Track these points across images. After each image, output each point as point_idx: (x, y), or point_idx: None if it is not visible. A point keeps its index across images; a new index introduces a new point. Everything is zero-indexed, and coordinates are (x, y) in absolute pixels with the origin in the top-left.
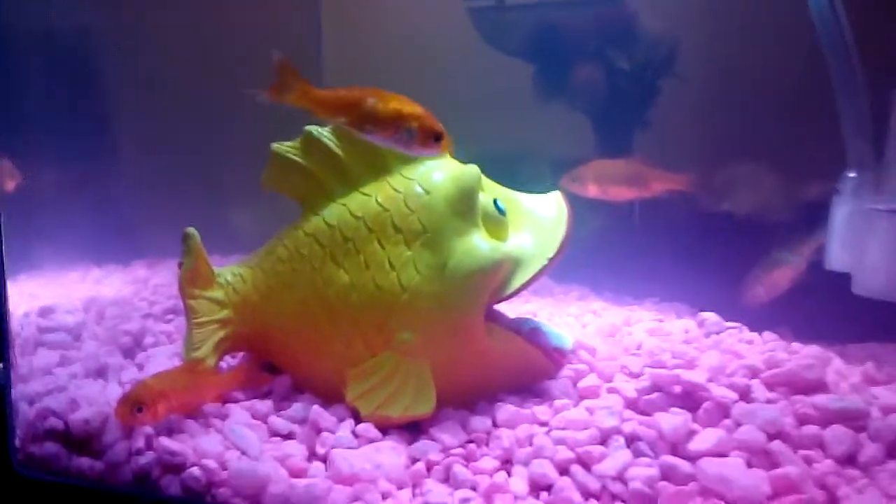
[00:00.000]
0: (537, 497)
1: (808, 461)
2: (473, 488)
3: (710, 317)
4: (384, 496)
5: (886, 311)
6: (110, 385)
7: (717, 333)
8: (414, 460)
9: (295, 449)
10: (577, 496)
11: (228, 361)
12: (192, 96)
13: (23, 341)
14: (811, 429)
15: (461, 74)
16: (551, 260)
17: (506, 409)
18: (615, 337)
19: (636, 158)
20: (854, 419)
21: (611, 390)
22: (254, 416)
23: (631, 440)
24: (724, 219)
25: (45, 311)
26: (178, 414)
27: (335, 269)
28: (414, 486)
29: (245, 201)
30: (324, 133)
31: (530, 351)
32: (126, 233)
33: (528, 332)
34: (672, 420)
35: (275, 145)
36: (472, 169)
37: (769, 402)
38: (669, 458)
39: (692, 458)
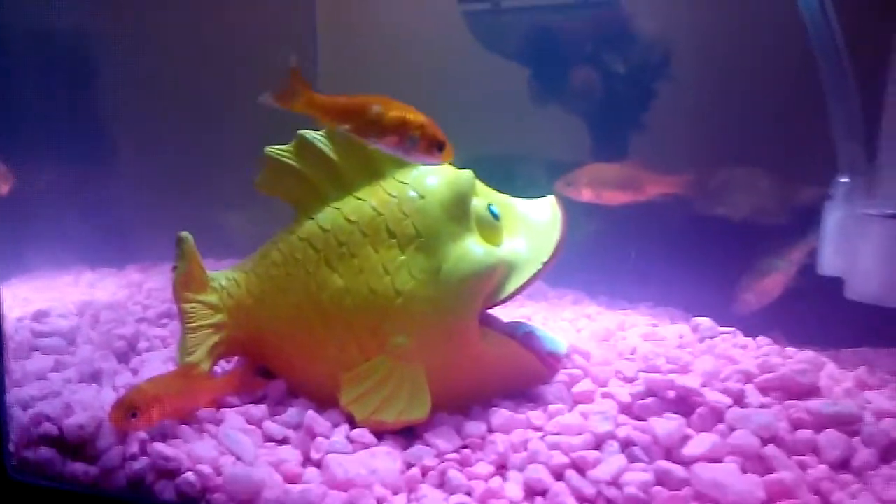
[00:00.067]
0: (532, 502)
1: (802, 466)
2: (468, 493)
3: (704, 322)
4: (379, 501)
5: (879, 315)
6: (104, 390)
7: (711, 338)
8: (409, 465)
9: (289, 454)
10: (571, 501)
11: (223, 366)
12: (187, 99)
13: (17, 346)
14: (805, 434)
15: (456, 77)
16: (545, 265)
17: (500, 414)
18: (609, 342)
19: (631, 162)
20: (848, 424)
21: (605, 395)
22: (248, 421)
23: (625, 445)
24: (718, 222)
25: (39, 316)
26: (173, 419)
27: (329, 274)
28: (409, 492)
29: (240, 204)
30: (317, 137)
31: (525, 355)
32: (120, 236)
33: (522, 336)
34: (666, 425)
35: (268, 149)
36: (466, 173)
37: (763, 406)
38: (664, 463)
39: (686, 463)
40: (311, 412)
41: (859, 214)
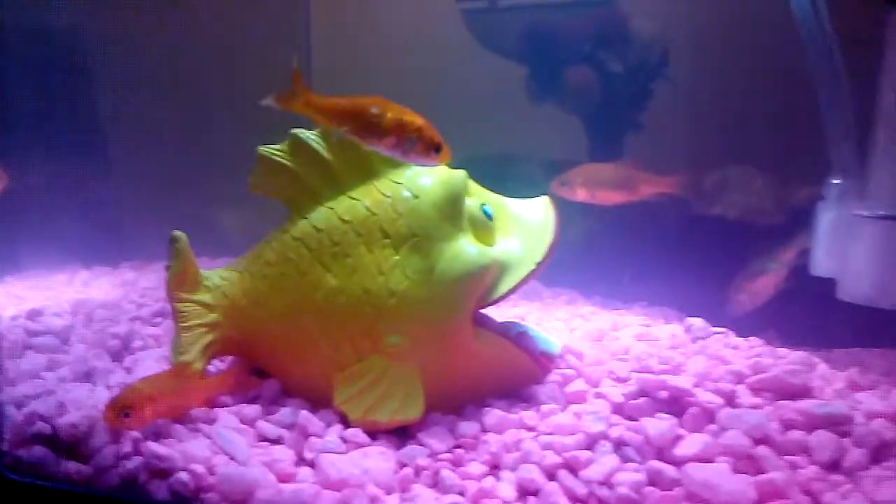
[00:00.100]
0: (525, 502)
1: (793, 466)
2: (461, 493)
3: (697, 322)
4: (372, 501)
5: (871, 316)
6: (98, 389)
7: (704, 339)
8: (402, 465)
9: (283, 454)
10: (564, 501)
11: (217, 365)
12: (181, 97)
13: (11, 344)
14: (796, 434)
15: (450, 76)
16: (539, 265)
17: (493, 414)
18: (603, 342)
19: (625, 162)
20: (838, 424)
21: (598, 395)
22: (242, 421)
23: (618, 445)
24: (713, 222)
25: (33, 314)
26: (166, 418)
27: (323, 273)
28: (402, 491)
29: (234, 203)
30: (311, 136)
31: (518, 355)
32: (115, 235)
33: (515, 336)
34: (658, 425)
35: (261, 148)
36: (459, 173)
37: (754, 407)
38: (656, 463)
39: (678, 463)
40: (304, 412)
41: (851, 216)
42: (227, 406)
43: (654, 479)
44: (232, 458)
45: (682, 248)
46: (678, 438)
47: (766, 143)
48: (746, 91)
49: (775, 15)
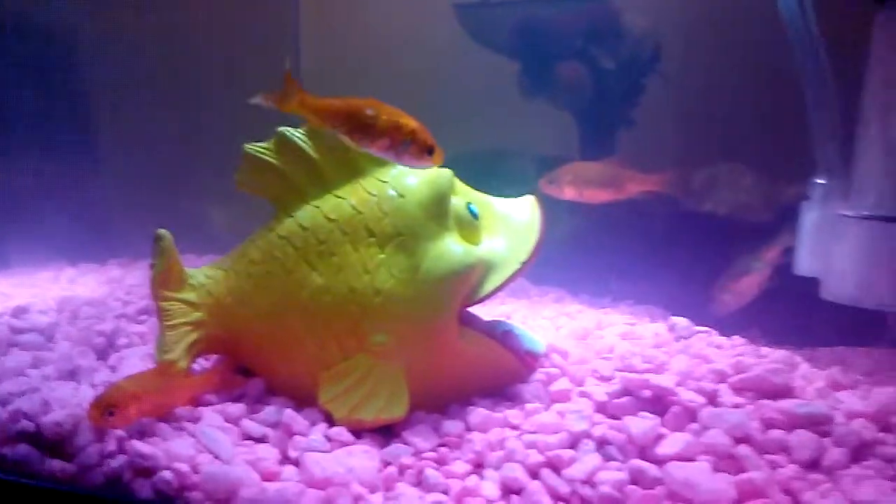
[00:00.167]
0: (508, 501)
1: (773, 465)
2: (445, 492)
3: (681, 321)
4: (356, 500)
5: (854, 316)
6: (82, 387)
7: (687, 338)
8: (386, 464)
9: (267, 452)
10: (547, 500)
11: (201, 364)
12: (169, 96)
13: None
14: (776, 433)
15: (439, 73)
16: (524, 264)
17: (478, 413)
18: (587, 340)
19: (612, 160)
20: (819, 424)
21: (582, 394)
22: (226, 420)
23: (600, 444)
24: (700, 220)
25: (18, 312)
26: (151, 417)
27: (309, 272)
28: (386, 490)
29: (220, 201)
30: (297, 134)
31: (503, 354)
32: (102, 232)
33: (500, 335)
34: (641, 424)
35: (248, 146)
36: (445, 172)
37: (736, 406)
38: (638, 462)
39: (660, 462)
40: (289, 410)
41: (836, 216)
42: (211, 405)
43: (637, 478)
44: (216, 457)
45: (669, 247)
46: (660, 437)
47: (755, 140)
48: (737, 87)
49: (766, 12)
